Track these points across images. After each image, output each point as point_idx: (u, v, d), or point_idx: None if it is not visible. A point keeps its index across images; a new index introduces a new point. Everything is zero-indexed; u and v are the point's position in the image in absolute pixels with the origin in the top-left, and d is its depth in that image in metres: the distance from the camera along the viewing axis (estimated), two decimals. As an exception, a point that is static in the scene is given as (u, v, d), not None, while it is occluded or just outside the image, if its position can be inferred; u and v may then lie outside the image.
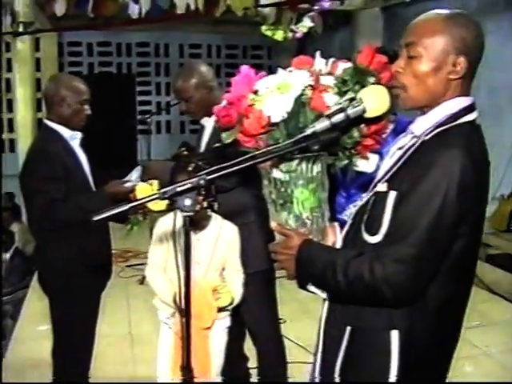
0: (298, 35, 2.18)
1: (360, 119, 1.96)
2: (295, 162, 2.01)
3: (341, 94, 2.01)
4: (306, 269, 2.02)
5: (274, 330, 3.72)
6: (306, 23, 2.23)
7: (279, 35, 2.26)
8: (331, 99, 2.00)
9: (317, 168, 2.04)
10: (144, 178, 3.38)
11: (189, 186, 1.77)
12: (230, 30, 11.77)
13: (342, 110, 1.91)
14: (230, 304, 3.21)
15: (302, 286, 2.06)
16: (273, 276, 3.56)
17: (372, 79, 2.04)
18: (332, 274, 1.91)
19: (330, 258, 1.95)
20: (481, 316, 5.50)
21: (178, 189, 1.76)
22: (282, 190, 2.08)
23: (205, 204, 3.12)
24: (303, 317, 4.79)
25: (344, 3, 7.43)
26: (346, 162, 2.12)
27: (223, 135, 2.16)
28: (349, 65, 2.07)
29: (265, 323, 3.65)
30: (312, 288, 2.03)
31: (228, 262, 3.30)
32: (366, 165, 2.16)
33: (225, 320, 3.32)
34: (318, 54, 2.14)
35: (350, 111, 1.90)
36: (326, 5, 2.41)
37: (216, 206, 3.24)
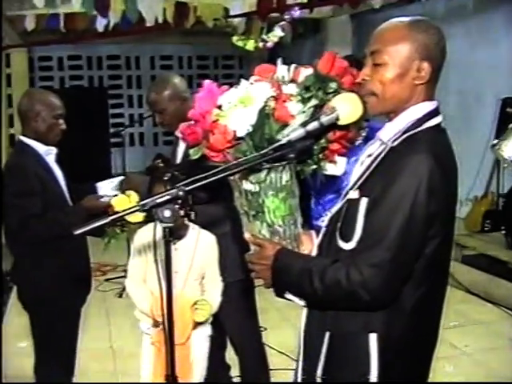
0: (269, 45, 2.21)
1: (333, 126, 2.00)
2: (264, 173, 2.03)
3: (304, 101, 2.04)
4: (282, 277, 2.04)
5: (255, 338, 3.73)
6: (277, 33, 2.25)
7: (250, 45, 2.28)
8: (295, 108, 2.02)
9: (286, 176, 2.06)
10: (123, 191, 3.39)
11: (168, 197, 1.78)
12: (200, 40, 11.77)
13: (316, 118, 1.94)
14: (209, 317, 3.22)
15: (279, 295, 2.08)
16: (251, 285, 3.58)
17: (334, 84, 2.07)
18: (309, 282, 1.93)
19: (306, 266, 1.97)
20: (459, 316, 5.57)
21: (158, 200, 1.78)
22: (253, 200, 2.09)
23: (181, 213, 3.15)
24: (283, 324, 4.81)
25: (313, 11, 7.51)
26: (314, 166, 2.14)
27: (191, 151, 2.17)
28: (310, 71, 2.10)
29: (245, 332, 3.66)
30: (289, 296, 2.05)
31: (207, 271, 3.31)
32: (334, 168, 2.18)
33: (206, 328, 3.33)
34: (279, 61, 2.16)
35: (324, 119, 1.93)
36: (296, 14, 2.45)
37: (193, 215, 3.26)
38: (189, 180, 1.88)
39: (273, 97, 2.03)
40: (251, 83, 2.11)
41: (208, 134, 2.06)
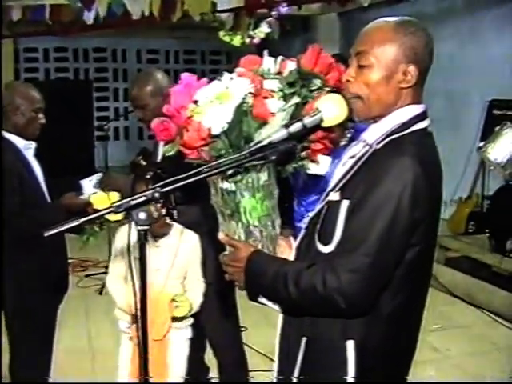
0: (256, 41, 2.17)
1: (317, 128, 1.94)
2: (241, 172, 1.97)
3: (286, 98, 1.98)
4: (255, 281, 1.98)
5: (235, 339, 3.69)
6: (264, 29, 2.22)
7: (237, 41, 2.24)
8: (275, 105, 1.97)
9: (264, 176, 2.00)
10: (103, 188, 3.34)
11: (143, 199, 1.72)
12: (188, 35, 11.73)
13: (299, 119, 1.88)
14: (188, 313, 3.17)
15: (253, 299, 2.03)
16: (231, 286, 3.52)
17: (318, 81, 2.01)
18: (283, 286, 1.87)
19: (281, 270, 1.92)
20: (441, 319, 5.54)
21: (132, 202, 1.72)
22: (229, 200, 2.03)
23: (163, 212, 3.10)
24: (264, 324, 4.75)
25: (301, 8, 7.47)
26: (295, 165, 2.08)
27: (164, 148, 2.11)
28: (295, 66, 2.04)
29: (225, 333, 3.62)
30: (263, 300, 2.00)
31: (189, 270, 3.28)
32: (317, 167, 2.13)
33: (186, 331, 3.29)
34: (265, 52, 2.10)
35: (307, 120, 1.88)
36: (283, 10, 2.40)
37: (175, 214, 3.21)
38: (169, 180, 1.82)
39: (252, 93, 1.97)
40: (231, 78, 2.04)
41: (182, 130, 2.00)
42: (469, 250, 6.58)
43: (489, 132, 6.40)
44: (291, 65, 2.06)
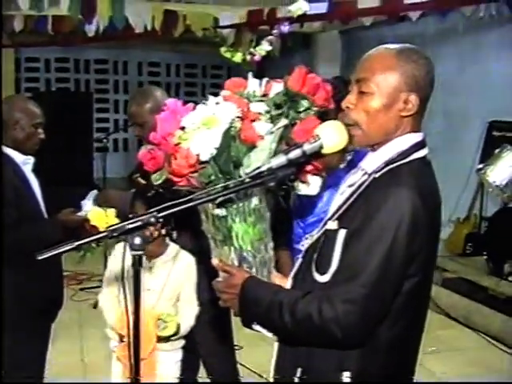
0: (256, 58, 2.17)
1: (317, 154, 1.92)
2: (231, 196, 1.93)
3: (273, 120, 1.97)
4: (250, 308, 1.95)
5: (229, 360, 3.66)
6: (264, 47, 2.21)
7: (237, 57, 2.23)
8: (263, 127, 1.95)
9: (255, 200, 1.98)
10: (100, 204, 3.32)
11: (139, 223, 1.70)
12: (189, 49, 11.76)
13: (298, 145, 1.87)
14: (175, 334, 3.12)
15: (247, 325, 2.01)
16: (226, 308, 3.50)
17: (305, 102, 2.00)
18: (278, 315, 1.85)
19: (276, 298, 1.89)
20: (437, 342, 5.50)
21: (128, 226, 1.69)
22: (221, 225, 2.01)
23: (163, 232, 3.07)
24: (260, 343, 4.70)
25: (303, 26, 7.49)
26: (285, 186, 2.06)
27: (153, 177, 2.08)
28: (282, 86, 2.03)
29: (219, 355, 3.59)
30: (257, 327, 1.97)
31: (182, 292, 3.23)
32: (307, 188, 2.11)
33: (176, 353, 3.25)
34: (250, 75, 2.09)
35: (307, 147, 1.86)
36: (285, 29, 2.39)
37: (174, 234, 3.19)
38: (167, 204, 1.79)
39: (239, 117, 1.95)
40: (217, 103, 2.02)
41: (170, 157, 1.98)
42: (466, 271, 6.56)
43: (488, 153, 6.40)
44: (277, 86, 2.05)
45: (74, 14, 6.58)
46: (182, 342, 3.26)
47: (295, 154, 1.86)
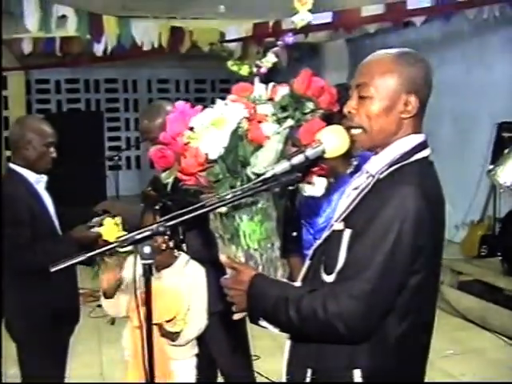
0: (263, 70, 2.20)
1: (320, 159, 1.96)
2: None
3: (279, 122, 2.01)
4: (257, 304, 1.98)
5: (245, 368, 3.68)
6: (270, 58, 2.24)
7: (244, 70, 2.26)
8: (270, 128, 1.99)
9: (262, 199, 2.02)
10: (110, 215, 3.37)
11: (148, 233, 1.74)
12: (198, 64, 11.83)
13: (301, 151, 1.91)
14: (179, 332, 3.10)
15: (254, 321, 2.03)
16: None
17: (311, 104, 2.04)
18: (284, 310, 1.88)
19: (282, 293, 1.93)
20: (455, 344, 5.52)
21: (137, 236, 1.73)
22: (228, 223, 2.05)
23: (171, 244, 3.10)
24: (277, 352, 4.70)
25: (309, 36, 7.52)
26: (291, 188, 2.10)
27: (162, 175, 2.14)
28: (288, 90, 2.07)
29: (235, 363, 3.60)
30: (264, 323, 1.99)
31: (191, 303, 3.19)
32: (313, 189, 2.14)
33: (190, 361, 3.26)
34: (256, 79, 2.13)
35: (309, 152, 1.90)
36: (289, 40, 2.42)
37: (184, 246, 3.21)
38: (174, 214, 1.83)
39: (246, 118, 2.00)
40: (226, 104, 2.07)
41: (179, 156, 2.03)
42: (481, 273, 6.54)
43: (498, 155, 6.38)
44: (282, 90, 2.09)
45: (82, 34, 6.65)
46: (195, 350, 3.26)
47: (298, 159, 1.89)
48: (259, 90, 2.11)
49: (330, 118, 2.09)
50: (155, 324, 3.02)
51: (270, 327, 2.00)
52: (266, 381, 4.56)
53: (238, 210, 2.01)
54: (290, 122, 2.01)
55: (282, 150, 1.99)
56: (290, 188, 2.09)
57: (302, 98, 2.05)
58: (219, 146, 1.96)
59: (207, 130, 2.00)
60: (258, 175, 1.92)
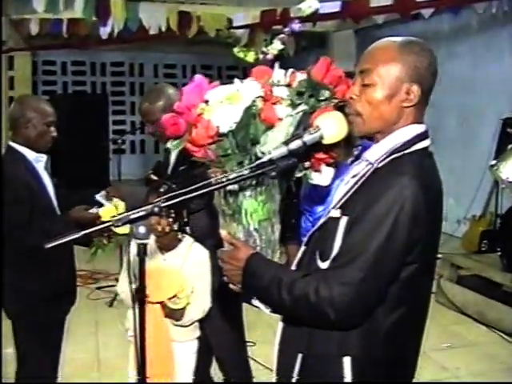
0: (269, 57, 2.19)
1: (318, 145, 1.95)
2: (247, 170, 1.95)
3: (293, 106, 2.01)
4: (251, 282, 1.99)
5: (240, 352, 3.69)
6: (276, 45, 2.23)
7: (250, 57, 2.26)
8: (283, 111, 2.00)
9: (267, 180, 2.02)
10: (110, 196, 3.37)
11: (143, 213, 1.74)
12: (204, 50, 11.80)
13: (298, 136, 1.90)
14: (178, 311, 3.11)
15: (246, 300, 2.05)
16: (235, 298, 3.53)
17: (326, 92, 2.04)
18: (277, 291, 1.89)
19: (277, 275, 1.93)
20: (451, 338, 5.52)
21: (133, 216, 1.74)
22: (231, 200, 2.05)
23: (175, 227, 3.10)
24: (272, 339, 4.72)
25: (316, 25, 7.51)
26: (299, 174, 2.11)
27: (171, 144, 2.14)
28: (305, 77, 2.07)
29: (230, 346, 3.62)
30: (256, 302, 2.01)
31: (195, 286, 3.20)
32: (319, 178, 2.14)
33: (192, 344, 3.27)
34: (276, 65, 2.13)
35: (307, 138, 1.89)
36: (296, 27, 2.41)
37: (188, 229, 3.21)
38: (171, 194, 1.84)
39: (261, 97, 2.00)
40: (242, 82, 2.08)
41: (191, 127, 2.03)
42: (481, 268, 6.53)
43: (502, 150, 6.37)
44: (301, 77, 2.09)
45: (88, 16, 6.64)
46: (197, 333, 3.28)
47: (296, 144, 1.89)
48: (278, 75, 2.11)
49: (343, 109, 2.09)
50: (158, 303, 3.06)
51: (262, 307, 2.01)
52: (261, 368, 4.56)
53: (243, 188, 2.01)
54: (303, 107, 2.00)
55: (293, 134, 1.98)
56: (297, 175, 2.10)
57: (319, 85, 2.04)
58: (231, 121, 1.97)
59: (221, 104, 2.01)
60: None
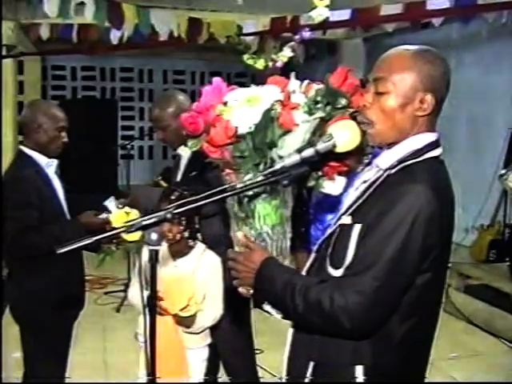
0: (279, 64, 2.20)
1: (331, 154, 1.95)
2: (260, 178, 1.95)
3: (310, 112, 2.01)
4: (264, 286, 1.98)
5: (247, 360, 3.68)
6: (286, 53, 2.24)
7: (260, 64, 2.27)
8: (300, 117, 2.00)
9: (280, 187, 2.01)
10: (127, 203, 3.38)
11: (155, 219, 1.74)
12: (214, 57, 11.83)
13: (311, 144, 1.90)
14: (188, 318, 3.09)
15: (257, 304, 2.04)
16: (245, 307, 3.53)
17: (343, 101, 2.04)
18: (291, 296, 1.88)
19: (291, 280, 1.92)
20: (459, 347, 5.51)
21: (145, 222, 1.74)
22: (245, 203, 2.05)
23: (186, 234, 3.10)
24: (280, 347, 4.70)
25: (326, 33, 7.51)
26: (313, 182, 2.11)
27: (189, 143, 2.14)
28: (322, 86, 2.07)
29: (237, 353, 3.61)
30: (268, 307, 2.00)
31: (207, 292, 3.20)
32: (332, 187, 2.14)
33: (203, 351, 3.27)
34: (292, 74, 2.13)
35: (320, 146, 1.89)
36: (306, 35, 2.42)
37: (199, 236, 3.21)
38: (183, 201, 1.84)
39: (280, 101, 2.00)
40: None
41: (209, 127, 2.03)
42: (489, 278, 6.52)
43: (511, 160, 6.37)
44: (316, 87, 2.08)
45: (100, 21, 6.64)
46: (208, 340, 3.27)
47: (308, 152, 1.89)
48: (294, 85, 2.11)
49: (356, 118, 2.09)
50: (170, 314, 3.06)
51: (273, 312, 2.00)
52: (269, 376, 4.55)
53: (257, 192, 2.02)
54: (320, 114, 2.01)
55: (309, 140, 1.98)
56: (309, 185, 2.10)
57: (337, 93, 2.04)
58: (250, 122, 1.97)
59: (241, 105, 2.01)
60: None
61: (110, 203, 3.39)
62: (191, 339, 3.19)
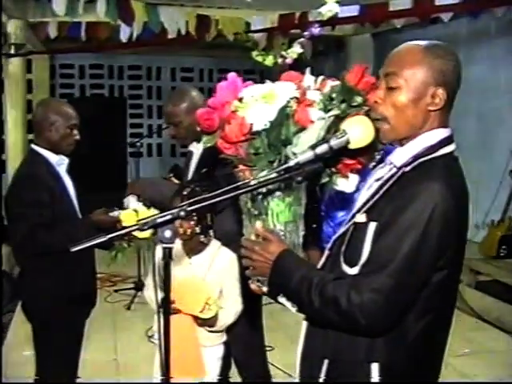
0: (288, 61, 2.20)
1: (344, 150, 1.95)
2: (274, 174, 1.95)
3: (326, 109, 2.00)
4: (280, 278, 1.97)
5: (259, 356, 3.68)
6: (296, 49, 2.24)
7: (269, 61, 2.27)
8: (315, 114, 1.99)
9: (294, 183, 2.01)
10: (128, 193, 3.39)
11: (169, 217, 1.74)
12: (222, 54, 11.80)
13: (325, 140, 1.89)
14: (212, 320, 3.09)
15: (272, 296, 2.02)
16: (259, 303, 3.53)
17: (359, 98, 2.03)
18: (307, 291, 1.87)
19: (308, 274, 1.91)
20: (470, 344, 5.49)
21: (158, 220, 1.73)
22: (258, 200, 2.04)
23: (198, 230, 3.09)
24: (291, 344, 4.70)
25: (335, 29, 7.49)
26: (326, 179, 2.11)
27: (204, 139, 2.13)
28: (337, 83, 2.06)
29: (249, 350, 3.61)
30: (282, 300, 1.98)
31: (223, 289, 3.20)
32: (345, 184, 2.13)
33: (218, 349, 3.26)
34: (307, 70, 2.12)
35: (334, 142, 1.88)
36: (316, 31, 2.42)
37: (211, 232, 3.21)
38: (196, 198, 1.84)
39: (296, 98, 2.00)
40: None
41: (224, 123, 2.02)
42: (500, 274, 6.50)
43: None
44: (331, 83, 2.08)
45: (112, 18, 6.66)
46: (224, 338, 3.26)
47: (322, 149, 1.88)
48: (308, 81, 2.10)
49: (369, 114, 2.08)
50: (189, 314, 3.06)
51: (288, 305, 1.98)
52: (279, 373, 4.55)
53: (271, 189, 2.01)
54: (335, 112, 2.00)
55: (324, 137, 1.97)
56: (323, 181, 2.09)
57: (353, 91, 2.03)
58: (265, 119, 1.96)
59: (256, 102, 2.00)
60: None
61: (132, 199, 3.40)
62: (208, 337, 3.18)
